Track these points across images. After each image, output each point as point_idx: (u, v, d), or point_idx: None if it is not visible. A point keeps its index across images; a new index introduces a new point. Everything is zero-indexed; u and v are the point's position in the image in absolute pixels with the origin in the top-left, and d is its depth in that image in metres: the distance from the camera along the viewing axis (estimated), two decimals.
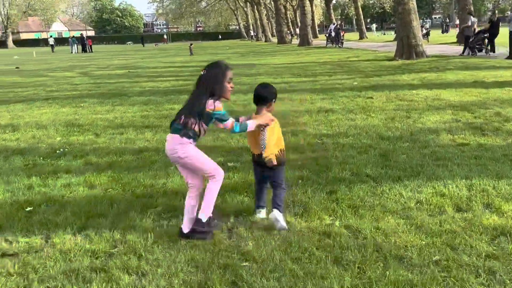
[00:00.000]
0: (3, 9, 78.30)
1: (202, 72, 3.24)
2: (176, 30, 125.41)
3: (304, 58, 22.40)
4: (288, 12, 68.72)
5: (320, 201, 3.80)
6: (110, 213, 3.73)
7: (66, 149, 5.93)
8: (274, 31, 56.45)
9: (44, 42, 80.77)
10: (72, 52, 42.46)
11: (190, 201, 3.34)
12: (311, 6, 61.73)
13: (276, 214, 3.29)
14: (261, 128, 3.32)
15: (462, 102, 8.17)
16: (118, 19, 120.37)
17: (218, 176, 3.27)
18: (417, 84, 10.79)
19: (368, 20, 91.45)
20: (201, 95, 3.17)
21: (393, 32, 62.56)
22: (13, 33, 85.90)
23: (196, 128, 3.15)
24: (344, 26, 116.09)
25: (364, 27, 43.08)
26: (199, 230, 3.22)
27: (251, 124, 3.28)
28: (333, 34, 33.58)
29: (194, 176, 3.33)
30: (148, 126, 7.27)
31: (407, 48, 17.67)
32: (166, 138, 3.31)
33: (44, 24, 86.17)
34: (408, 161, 4.81)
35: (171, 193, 4.15)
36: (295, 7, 59.75)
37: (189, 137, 3.16)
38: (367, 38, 41.71)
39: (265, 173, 3.45)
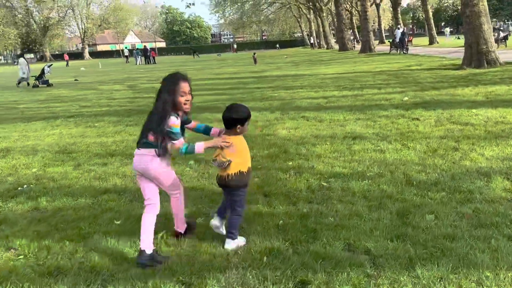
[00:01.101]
0: (81, 23, 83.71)
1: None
2: (242, 39, 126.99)
3: (359, 67, 20.67)
4: (354, 18, 66.42)
5: None
6: None
7: (31, 185, 5.13)
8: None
9: (117, 53, 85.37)
10: (136, 64, 43.75)
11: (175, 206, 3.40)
12: (378, 10, 59.25)
13: (227, 244, 3.22)
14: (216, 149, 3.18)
15: None
16: (188, 30, 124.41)
17: (156, 206, 3.23)
18: (480, 101, 8.93)
19: (442, 24, 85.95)
20: (159, 110, 3.05)
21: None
22: (89, 45, 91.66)
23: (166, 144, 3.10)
24: (416, 31, 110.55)
25: (434, 32, 39.89)
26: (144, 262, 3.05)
27: (199, 148, 3.13)
28: (397, 39, 31.24)
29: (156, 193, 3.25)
30: None
31: (476, 55, 15.42)
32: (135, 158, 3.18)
33: (118, 36, 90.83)
34: (434, 229, 3.35)
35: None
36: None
37: (159, 154, 3.08)
38: (437, 43, 38.58)
39: (225, 194, 3.33)
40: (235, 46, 77.65)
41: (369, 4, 36.81)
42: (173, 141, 3.05)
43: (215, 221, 3.36)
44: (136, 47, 47.63)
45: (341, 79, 15.61)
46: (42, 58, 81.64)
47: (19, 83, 23.03)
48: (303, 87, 14.04)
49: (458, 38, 54.36)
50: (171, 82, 3.09)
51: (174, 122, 3.01)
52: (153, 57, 45.31)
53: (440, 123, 7.08)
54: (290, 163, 5.37)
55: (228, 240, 3.21)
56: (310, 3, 57.15)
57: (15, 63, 72.01)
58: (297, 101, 10.86)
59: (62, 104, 13.69)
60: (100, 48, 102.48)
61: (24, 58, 23.40)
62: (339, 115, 8.41)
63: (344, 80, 15.18)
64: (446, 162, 4.98)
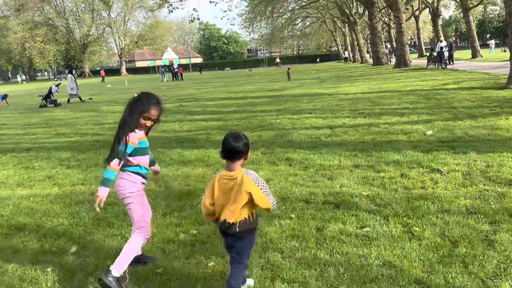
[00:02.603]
0: (118, 40, 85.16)
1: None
2: (278, 53, 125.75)
3: (388, 85, 18.32)
4: (392, 30, 63.39)
5: None
6: None
7: None
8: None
9: (153, 69, 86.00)
10: (162, 80, 42.95)
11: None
12: (417, 22, 56.09)
13: None
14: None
15: None
16: (224, 46, 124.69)
17: (145, 233, 3.11)
18: None
19: (487, 36, 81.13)
20: (124, 125, 3.02)
21: None
22: (128, 61, 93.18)
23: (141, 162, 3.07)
24: (460, 43, 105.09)
25: (477, 44, 36.65)
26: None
27: (101, 190, 2.93)
28: (434, 53, 28.55)
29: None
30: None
31: None
32: None
33: (155, 52, 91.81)
34: None
35: None
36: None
37: (139, 175, 3.07)
38: (481, 56, 35.34)
39: (228, 242, 2.76)
40: (278, 60, 75.08)
41: (404, 16, 34.08)
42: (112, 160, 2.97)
43: None
44: (164, 65, 46.59)
45: (362, 101, 13.41)
46: (81, 75, 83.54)
47: (68, 100, 22.53)
48: (313, 111, 11.98)
49: (504, 51, 50.39)
50: (141, 102, 3.02)
51: (133, 139, 2.99)
52: (181, 74, 44.39)
53: (471, 180, 4.86)
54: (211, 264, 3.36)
55: None
56: (344, 17, 54.89)
57: (56, 79, 74.04)
58: (295, 132, 8.83)
59: (40, 131, 12.29)
60: (139, 64, 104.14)
61: (72, 74, 22.75)
62: (334, 159, 6.32)
63: (365, 103, 12.98)
64: (472, 279, 2.83)
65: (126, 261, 2.92)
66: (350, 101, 13.68)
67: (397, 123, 9.04)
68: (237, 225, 2.57)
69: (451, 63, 28.53)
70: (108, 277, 2.80)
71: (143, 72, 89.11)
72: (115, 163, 2.91)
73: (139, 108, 2.98)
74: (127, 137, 2.93)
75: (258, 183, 2.55)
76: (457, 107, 10.61)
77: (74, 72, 22.91)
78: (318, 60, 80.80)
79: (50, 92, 21.33)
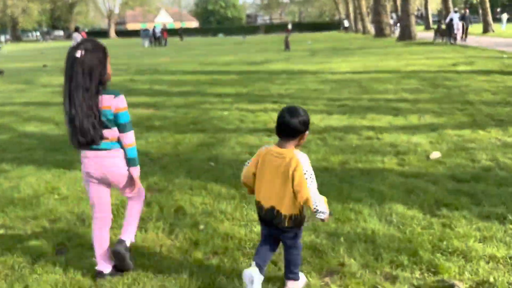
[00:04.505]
0: (107, 0, 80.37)
1: (77, 55, 2.38)
2: (279, 20, 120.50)
3: (387, 63, 15.24)
4: None
5: None
6: None
7: None
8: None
9: (153, 33, 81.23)
10: (143, 45, 39.32)
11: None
12: None
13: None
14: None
15: None
16: (222, 10, 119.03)
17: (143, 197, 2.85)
18: None
19: (498, 9, 76.48)
20: (93, 91, 2.42)
21: None
22: (117, 23, 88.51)
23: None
24: (473, 17, 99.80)
25: (489, 18, 33.05)
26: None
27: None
28: (442, 26, 25.21)
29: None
30: None
31: None
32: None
33: (146, 14, 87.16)
34: None
35: None
36: None
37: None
38: (493, 31, 31.89)
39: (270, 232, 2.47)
40: (289, 26, 69.31)
41: None
42: (127, 132, 2.56)
43: (251, 272, 2.35)
44: (146, 28, 42.50)
45: (349, 85, 10.43)
46: (69, 36, 79.26)
47: None
48: (281, 98, 9.02)
49: None
50: (102, 50, 2.50)
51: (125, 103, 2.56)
52: (165, 39, 40.73)
53: None
54: None
55: (290, 283, 2.49)
56: None
57: (42, 40, 70.09)
58: (233, 139, 5.92)
59: None
60: (131, 27, 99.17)
61: (78, 32, 19.54)
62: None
63: (352, 88, 10.01)
64: None
65: (135, 228, 2.80)
66: (335, 84, 10.69)
67: (388, 129, 6.14)
68: (287, 219, 2.29)
69: (464, 38, 25.03)
70: (122, 247, 2.65)
71: (135, 36, 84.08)
72: (133, 135, 2.63)
73: (104, 59, 2.52)
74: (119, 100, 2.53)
75: (306, 172, 2.23)
76: (474, 103, 7.68)
77: (79, 29, 19.71)
78: (288, 27, 72.02)
79: None
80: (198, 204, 3.79)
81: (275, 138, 2.37)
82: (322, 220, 2.31)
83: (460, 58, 15.54)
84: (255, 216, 3.34)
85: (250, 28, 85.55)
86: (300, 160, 2.24)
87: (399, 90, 9.36)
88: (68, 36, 79.16)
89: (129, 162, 2.57)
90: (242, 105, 8.49)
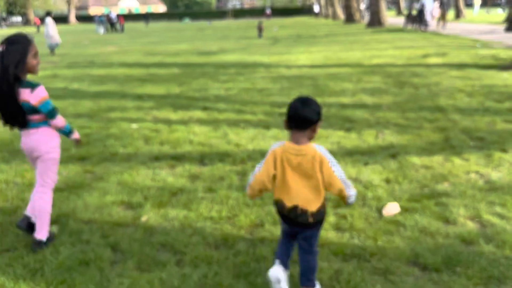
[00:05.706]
0: None
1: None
2: (250, 5, 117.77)
3: (351, 54, 13.71)
4: None
5: None
6: None
7: None
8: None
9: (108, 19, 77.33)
10: (97, 32, 36.61)
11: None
12: None
13: None
14: None
15: None
16: None
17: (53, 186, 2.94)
18: None
19: None
20: (12, 82, 2.62)
21: (500, 9, 49.12)
22: (79, 8, 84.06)
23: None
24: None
25: (460, 3, 32.05)
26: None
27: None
28: (413, 11, 23.89)
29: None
30: None
31: None
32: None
33: None
34: None
35: None
36: None
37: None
38: (463, 17, 30.88)
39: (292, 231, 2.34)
40: (268, 11, 66.45)
41: None
42: (55, 118, 2.79)
43: (277, 272, 2.27)
44: (101, 14, 39.66)
45: (304, 83, 8.83)
46: (27, 23, 74.65)
47: (52, 50, 17.73)
48: (216, 102, 7.31)
49: (487, 12, 46.04)
50: (22, 44, 2.68)
51: (46, 93, 2.75)
52: (121, 25, 38.11)
53: None
54: None
55: None
56: None
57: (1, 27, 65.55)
58: (116, 175, 4.21)
59: None
60: (94, 11, 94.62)
61: (51, 16, 17.06)
62: None
63: (305, 87, 8.40)
64: None
65: (48, 223, 2.89)
66: (287, 82, 9.06)
67: (335, 155, 4.54)
68: (311, 215, 2.20)
69: (443, 24, 23.36)
70: (41, 246, 2.81)
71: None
72: (62, 118, 2.91)
73: (24, 52, 2.73)
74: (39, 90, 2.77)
75: (331, 161, 2.18)
76: (447, 110, 6.19)
77: (51, 14, 17.15)
78: (267, 12, 69.47)
79: None
80: None
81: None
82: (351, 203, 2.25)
83: (431, 47, 14.15)
84: None
85: (218, 13, 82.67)
86: (323, 154, 2.15)
87: (358, 91, 7.80)
88: (26, 22, 74.65)
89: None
90: (163, 112, 6.75)
